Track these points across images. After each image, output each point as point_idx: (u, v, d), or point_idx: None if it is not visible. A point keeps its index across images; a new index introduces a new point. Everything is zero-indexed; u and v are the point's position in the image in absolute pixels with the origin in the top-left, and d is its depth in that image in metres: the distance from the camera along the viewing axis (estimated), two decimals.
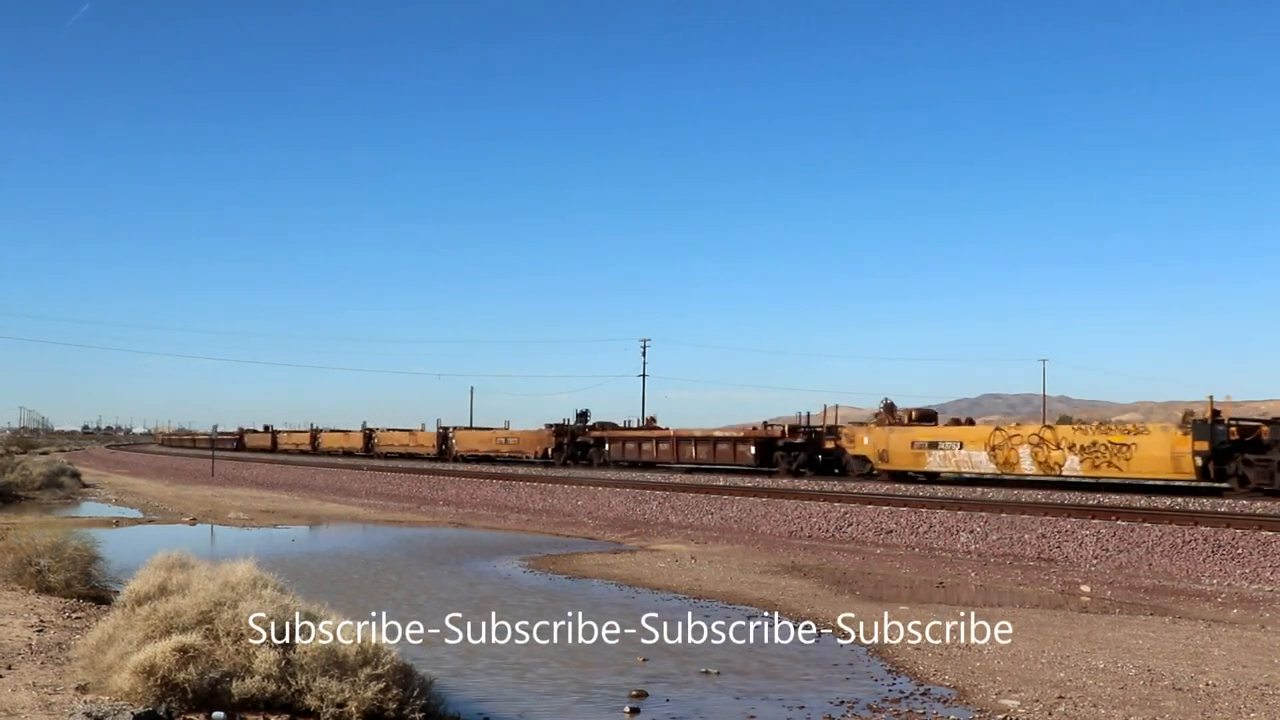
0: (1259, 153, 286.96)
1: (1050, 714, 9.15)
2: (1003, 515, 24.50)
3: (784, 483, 36.07)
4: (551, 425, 54.47)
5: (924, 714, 9.23)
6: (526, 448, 56.77)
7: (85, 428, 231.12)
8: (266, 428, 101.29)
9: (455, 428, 65.85)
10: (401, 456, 67.52)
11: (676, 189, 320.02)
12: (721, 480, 37.72)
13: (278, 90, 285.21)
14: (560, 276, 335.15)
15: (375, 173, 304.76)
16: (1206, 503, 25.79)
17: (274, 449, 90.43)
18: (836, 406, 42.90)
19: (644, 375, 79.69)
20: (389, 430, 73.23)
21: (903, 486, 33.88)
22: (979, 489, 32.20)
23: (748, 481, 36.83)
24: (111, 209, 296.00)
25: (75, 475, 46.85)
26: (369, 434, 74.03)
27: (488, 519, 32.17)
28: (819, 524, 26.75)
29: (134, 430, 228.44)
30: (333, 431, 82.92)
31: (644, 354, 79.91)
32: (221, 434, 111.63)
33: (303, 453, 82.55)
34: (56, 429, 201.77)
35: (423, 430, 69.20)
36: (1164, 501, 26.24)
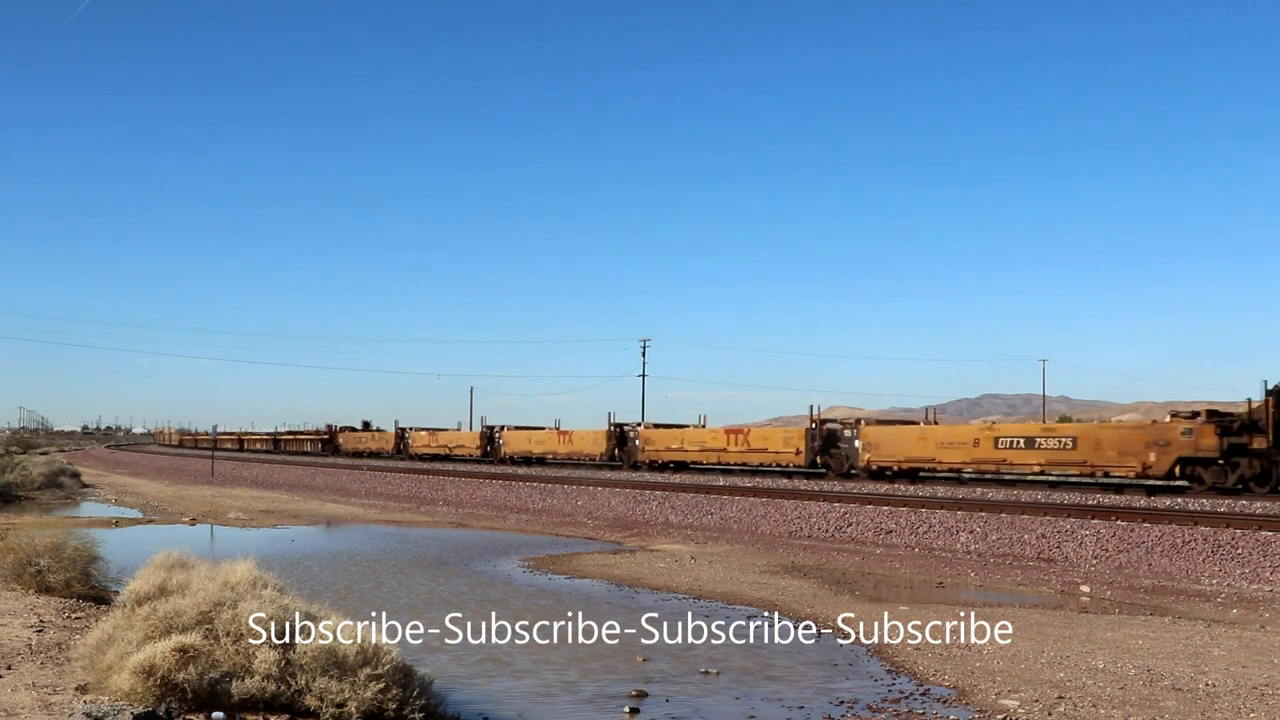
0: (1259, 153, 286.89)
1: (1050, 714, 9.15)
2: (1002, 515, 24.49)
3: (783, 483, 36.07)
4: (1192, 414, 30.39)
5: (924, 714, 9.22)
6: (1113, 459, 31.63)
7: (85, 428, 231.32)
8: (366, 424, 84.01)
9: (933, 423, 41.52)
10: (682, 468, 47.38)
11: (676, 189, 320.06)
12: (720, 480, 37.72)
13: (278, 90, 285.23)
14: (560, 276, 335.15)
15: (375, 173, 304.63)
16: (1206, 503, 25.80)
17: (401, 453, 71.68)
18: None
19: (644, 375, 79.67)
20: (658, 427, 52.29)
21: (903, 486, 33.82)
22: (978, 489, 32.20)
23: (746, 481, 36.83)
24: (111, 209, 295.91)
25: (75, 475, 46.85)
26: (621, 431, 52.26)
27: (487, 519, 32.16)
28: (819, 524, 26.74)
29: (134, 430, 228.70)
30: (520, 429, 62.69)
31: (644, 354, 79.92)
32: (292, 433, 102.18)
33: (442, 457, 65.55)
34: (56, 429, 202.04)
35: (699, 426, 50.34)
36: (1164, 501, 26.25)
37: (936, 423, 42.45)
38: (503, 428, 62.44)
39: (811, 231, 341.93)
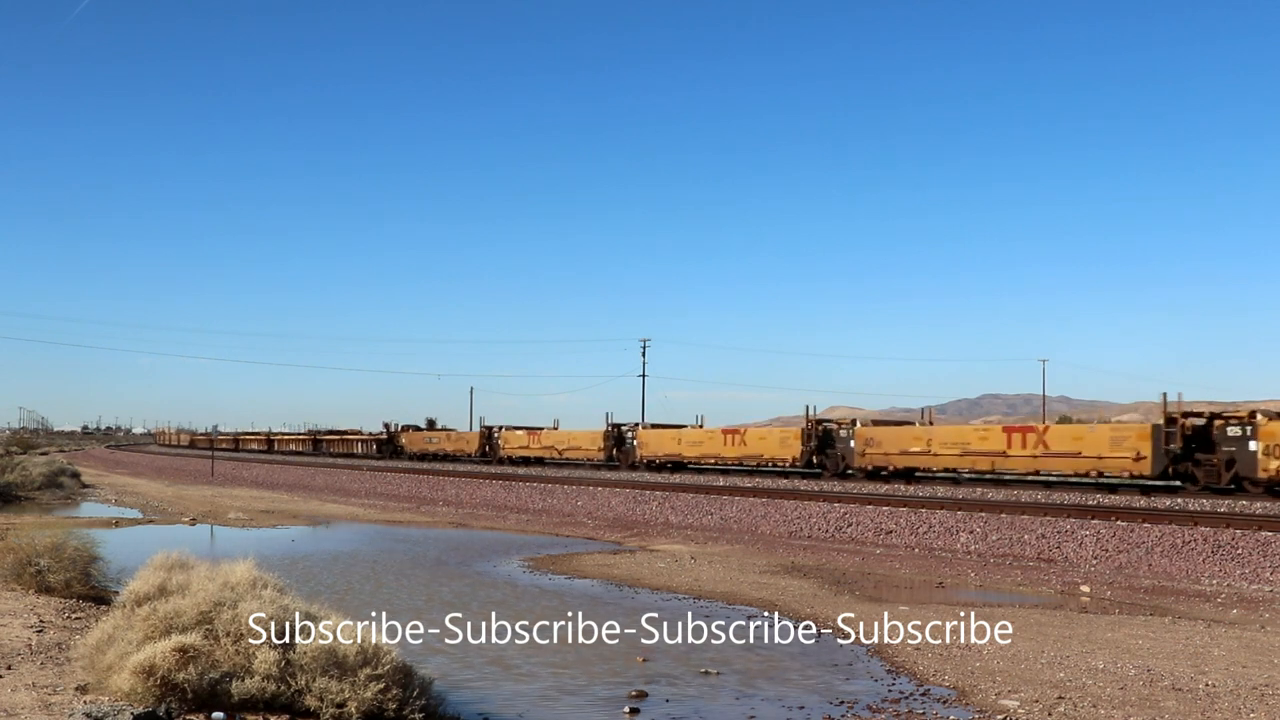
0: (1259, 153, 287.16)
1: (1050, 714, 9.15)
2: (1003, 515, 24.49)
3: (783, 483, 36.06)
4: None
5: (924, 714, 9.22)
6: None
7: (85, 428, 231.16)
8: (430, 422, 75.28)
9: None
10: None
11: (676, 189, 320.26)
12: (720, 480, 37.71)
13: (278, 90, 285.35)
14: (560, 276, 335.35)
15: (375, 173, 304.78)
16: (1206, 503, 25.79)
17: (488, 457, 62.03)
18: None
19: (644, 375, 79.51)
20: (877, 424, 41.52)
21: (903, 486, 33.88)
22: (979, 489, 32.21)
23: (746, 482, 36.82)
24: (111, 209, 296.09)
25: (75, 475, 46.85)
26: (825, 430, 42.28)
27: (487, 519, 32.16)
28: (819, 524, 26.75)
29: (134, 430, 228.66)
30: (658, 428, 53.60)
31: (644, 354, 79.82)
32: (337, 432, 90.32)
33: (547, 462, 57.07)
34: (56, 429, 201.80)
35: (925, 423, 40.74)
36: (1164, 502, 26.25)
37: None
38: (635, 425, 53.07)
39: (811, 231, 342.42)
